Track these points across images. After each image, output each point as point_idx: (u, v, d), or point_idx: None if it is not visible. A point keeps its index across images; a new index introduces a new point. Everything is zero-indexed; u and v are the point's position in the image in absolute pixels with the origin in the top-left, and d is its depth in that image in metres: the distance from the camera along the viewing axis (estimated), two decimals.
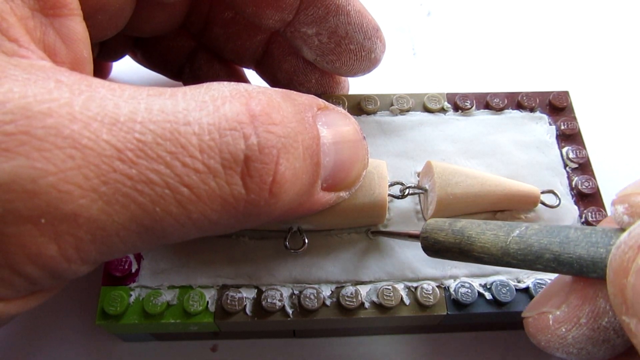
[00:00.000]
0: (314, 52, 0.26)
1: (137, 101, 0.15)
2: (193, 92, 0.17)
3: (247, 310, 0.23)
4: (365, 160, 0.21)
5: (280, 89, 0.19)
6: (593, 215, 0.25)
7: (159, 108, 0.15)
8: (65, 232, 0.14)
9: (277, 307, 0.23)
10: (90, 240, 0.15)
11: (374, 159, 0.24)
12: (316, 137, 0.19)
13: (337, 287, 0.24)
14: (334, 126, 0.20)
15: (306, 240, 0.24)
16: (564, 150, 0.28)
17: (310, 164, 0.18)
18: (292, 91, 0.19)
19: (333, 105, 0.21)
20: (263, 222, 0.18)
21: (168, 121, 0.15)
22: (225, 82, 0.18)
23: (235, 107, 0.16)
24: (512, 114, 0.29)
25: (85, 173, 0.14)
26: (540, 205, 0.26)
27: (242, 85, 0.18)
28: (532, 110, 0.29)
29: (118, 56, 0.30)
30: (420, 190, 0.25)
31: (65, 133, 0.14)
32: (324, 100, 0.21)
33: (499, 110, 0.29)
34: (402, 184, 0.25)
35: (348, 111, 0.28)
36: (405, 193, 0.25)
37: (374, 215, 0.24)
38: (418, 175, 0.26)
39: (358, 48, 0.25)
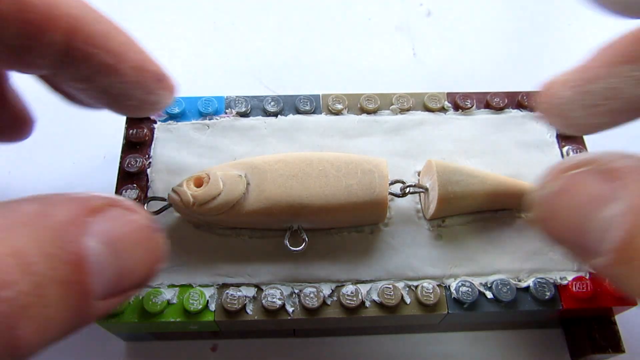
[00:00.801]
0: (90, 100, 0.22)
1: None
2: None
3: (247, 309, 0.23)
4: (158, 254, 0.18)
5: (32, 201, 0.16)
6: None
7: None
8: None
9: (277, 306, 0.23)
10: None
11: (374, 157, 0.24)
12: (78, 261, 0.15)
13: (337, 286, 0.24)
14: (111, 231, 0.17)
15: (306, 239, 0.23)
16: (565, 149, 0.28)
17: (73, 295, 0.15)
18: (52, 200, 0.16)
19: (116, 198, 0.17)
20: None
21: None
22: None
23: None
24: (513, 114, 0.29)
25: None
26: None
27: None
28: (532, 109, 0.29)
29: None
30: (421, 189, 0.25)
31: None
32: (102, 196, 0.17)
33: (499, 109, 0.29)
34: (402, 182, 0.25)
35: (348, 111, 0.28)
36: (406, 191, 0.25)
37: (375, 214, 0.24)
38: (419, 175, 0.26)
39: (139, 103, 0.21)
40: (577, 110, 0.20)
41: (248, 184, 0.23)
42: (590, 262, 0.17)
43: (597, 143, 0.31)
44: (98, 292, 0.16)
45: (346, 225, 0.24)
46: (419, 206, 0.26)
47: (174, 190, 0.23)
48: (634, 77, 0.19)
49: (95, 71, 0.19)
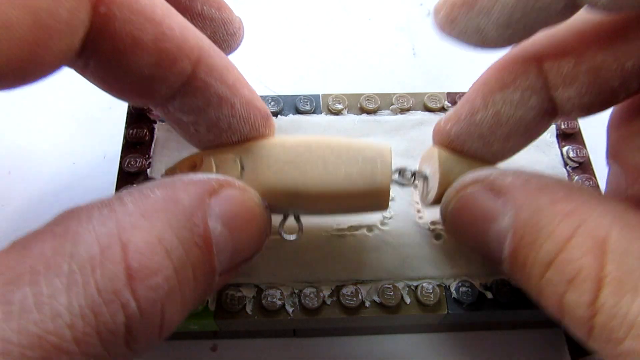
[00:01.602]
0: (188, 138, 0.22)
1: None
2: (53, 263, 0.14)
3: (247, 309, 0.23)
4: (266, 230, 0.20)
5: (159, 186, 0.17)
6: None
7: (18, 310, 0.13)
8: None
9: (277, 306, 0.23)
10: None
11: (378, 143, 0.22)
12: (206, 242, 0.17)
13: (337, 286, 0.24)
14: (228, 211, 0.18)
15: (302, 227, 0.23)
16: (564, 149, 0.28)
17: (201, 277, 0.17)
18: (178, 187, 0.17)
19: (228, 179, 0.19)
20: None
21: (34, 323, 0.13)
22: (91, 228, 0.15)
23: (109, 270, 0.14)
24: None
25: None
26: None
27: (114, 222, 0.15)
28: None
29: None
30: (422, 176, 0.24)
31: None
32: (217, 178, 0.18)
33: None
34: (405, 170, 0.24)
35: (348, 111, 0.28)
36: (410, 180, 0.24)
37: (376, 203, 0.23)
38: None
39: (242, 139, 0.21)
40: (471, 143, 0.21)
41: (242, 168, 0.21)
42: (498, 268, 0.19)
43: (597, 143, 0.31)
44: (219, 269, 0.18)
45: (346, 213, 0.24)
46: (419, 206, 0.26)
47: (166, 173, 0.22)
48: (509, 101, 0.20)
49: (209, 103, 0.20)
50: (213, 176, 0.19)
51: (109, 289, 0.14)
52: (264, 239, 0.20)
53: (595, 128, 0.32)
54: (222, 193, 0.18)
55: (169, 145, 0.27)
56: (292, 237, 0.23)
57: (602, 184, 0.27)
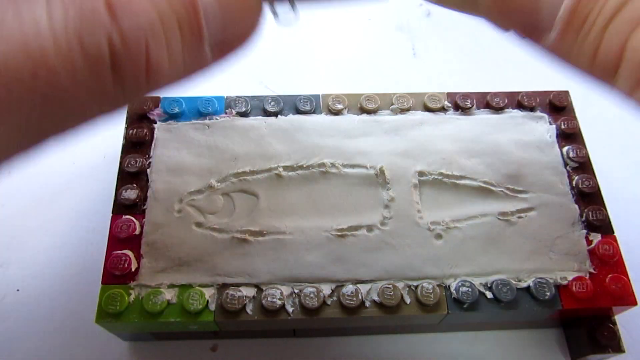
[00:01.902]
0: None
1: None
2: None
3: (247, 309, 0.23)
4: (257, 16, 0.20)
5: None
6: (594, 214, 0.25)
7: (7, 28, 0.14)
8: None
9: (277, 306, 0.23)
10: None
11: None
12: (194, 6, 0.17)
13: (337, 286, 0.24)
14: None
15: (298, 10, 0.20)
16: (565, 149, 0.28)
17: (189, 35, 0.17)
18: None
19: None
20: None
21: (20, 42, 0.14)
22: None
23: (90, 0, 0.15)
24: (513, 114, 0.29)
25: None
26: (538, 201, 0.26)
27: None
28: (532, 109, 0.29)
29: None
30: None
31: None
32: None
33: (499, 109, 0.29)
34: None
35: (348, 111, 0.28)
36: None
37: None
38: (419, 175, 0.26)
39: None
40: None
41: None
42: (541, 42, 0.18)
43: (598, 143, 0.31)
44: (208, 37, 0.18)
45: None
46: (419, 206, 0.26)
47: None
48: None
49: None
50: None
51: (90, 16, 0.15)
52: (257, 19, 0.20)
53: (595, 128, 0.32)
54: None
55: (169, 145, 0.27)
56: (288, 23, 0.20)
57: (602, 184, 0.27)
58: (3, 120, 0.15)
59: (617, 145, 0.33)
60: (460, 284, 0.24)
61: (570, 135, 0.28)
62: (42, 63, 0.14)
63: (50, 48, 0.14)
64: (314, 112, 0.28)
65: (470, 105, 0.29)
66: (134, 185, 0.26)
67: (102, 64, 0.15)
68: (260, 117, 0.28)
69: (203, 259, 0.24)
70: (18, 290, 0.28)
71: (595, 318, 0.25)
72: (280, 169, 0.26)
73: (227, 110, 0.28)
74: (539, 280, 0.24)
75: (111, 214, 0.25)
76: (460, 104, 0.29)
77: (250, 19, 0.20)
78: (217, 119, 0.28)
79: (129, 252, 0.24)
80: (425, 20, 0.39)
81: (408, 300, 0.23)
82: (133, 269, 0.24)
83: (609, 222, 0.25)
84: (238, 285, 0.23)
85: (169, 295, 0.23)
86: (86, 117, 0.17)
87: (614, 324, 0.25)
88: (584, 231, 0.25)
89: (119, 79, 0.16)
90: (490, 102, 0.29)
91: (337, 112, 0.28)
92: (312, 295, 0.23)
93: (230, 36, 0.19)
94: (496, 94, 0.29)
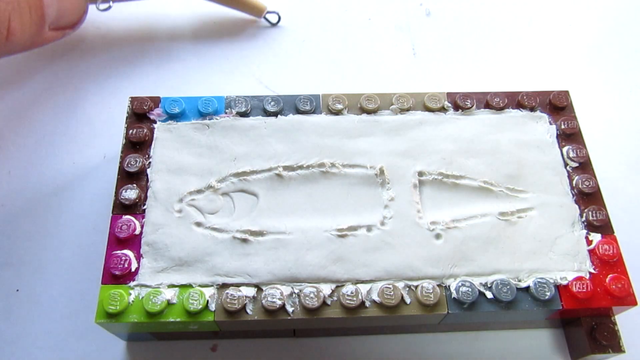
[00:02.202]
0: None
1: None
2: None
3: (247, 309, 0.23)
4: (82, 8, 0.32)
5: None
6: (594, 214, 0.25)
7: None
8: None
9: (277, 306, 0.23)
10: None
11: None
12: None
13: (337, 286, 0.24)
14: None
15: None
16: (565, 149, 0.28)
17: (36, 17, 0.28)
18: None
19: None
20: (4, 55, 0.28)
21: None
22: None
23: None
24: (513, 114, 0.29)
25: None
26: (538, 201, 0.26)
27: None
28: (532, 109, 0.29)
29: None
30: None
31: None
32: None
33: (499, 109, 0.29)
34: None
35: (348, 111, 0.29)
36: None
37: None
38: (419, 175, 0.26)
39: None
40: None
41: None
42: None
43: (598, 143, 0.31)
44: (49, 21, 0.29)
45: None
46: (419, 206, 0.26)
47: None
48: None
49: None
50: None
51: None
52: (81, 13, 0.32)
53: (595, 128, 0.32)
54: None
55: (169, 145, 0.27)
56: (105, 5, 0.31)
57: (602, 184, 0.27)
58: None
59: (617, 145, 0.33)
60: (460, 284, 0.24)
61: (570, 135, 0.28)
62: None
63: None
64: (314, 112, 0.28)
65: (470, 105, 0.29)
66: (134, 185, 0.26)
67: None
68: (260, 117, 0.28)
69: (203, 259, 0.24)
70: (18, 290, 0.28)
71: (595, 318, 0.25)
72: (280, 169, 0.26)
73: (227, 110, 0.28)
74: (539, 280, 0.24)
75: (111, 214, 0.25)
76: (460, 104, 0.29)
77: (77, 13, 0.32)
78: (217, 119, 0.28)
79: (129, 252, 0.24)
80: (425, 20, 0.39)
81: (408, 300, 0.23)
82: (133, 269, 0.24)
83: (609, 222, 0.25)
84: (238, 285, 0.23)
85: (169, 295, 0.23)
86: None
87: (614, 324, 0.25)
88: (584, 231, 0.25)
89: None
90: (490, 102, 0.29)
91: (337, 112, 0.28)
92: (312, 295, 0.23)
93: (63, 22, 0.31)
94: (496, 94, 0.29)
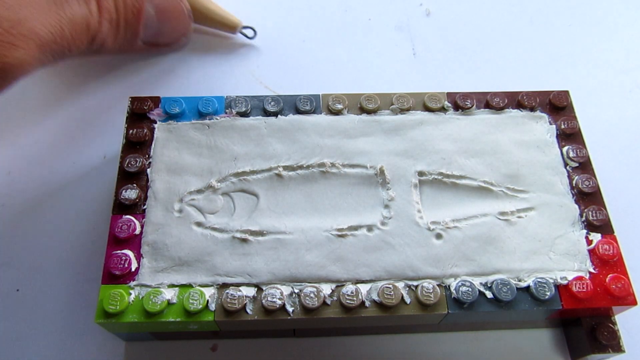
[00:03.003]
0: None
1: None
2: None
3: (248, 308, 0.23)
4: (189, 18, 0.32)
5: None
6: (594, 214, 0.25)
7: None
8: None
9: (277, 306, 0.23)
10: None
11: None
12: (138, 15, 0.28)
13: (337, 286, 0.24)
14: (162, 6, 0.29)
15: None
16: (565, 149, 0.28)
17: (130, 33, 0.29)
18: None
19: None
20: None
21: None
22: None
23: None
24: (513, 114, 0.29)
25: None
26: (538, 201, 0.26)
27: None
28: (532, 109, 0.29)
29: None
30: None
31: None
32: None
33: (499, 109, 0.29)
34: None
35: (348, 111, 0.29)
36: None
37: None
38: (419, 175, 0.26)
39: None
40: None
41: None
42: None
43: (598, 143, 0.31)
44: (143, 36, 0.30)
45: None
46: (419, 206, 0.26)
47: None
48: None
49: None
50: None
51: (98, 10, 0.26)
52: (181, 37, 0.33)
53: (595, 128, 0.32)
54: None
55: (169, 145, 0.27)
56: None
57: (602, 184, 0.27)
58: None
59: (617, 145, 0.33)
60: (460, 284, 0.24)
61: (570, 135, 0.28)
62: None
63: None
64: (314, 112, 0.28)
65: (470, 105, 0.29)
66: (134, 185, 0.26)
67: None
68: (260, 117, 0.28)
69: (203, 259, 0.24)
70: (18, 290, 0.28)
71: (595, 318, 0.25)
72: (280, 169, 0.26)
73: (227, 110, 0.28)
74: (539, 280, 0.24)
75: (111, 214, 0.25)
76: (460, 104, 0.29)
77: (177, 35, 0.32)
78: (217, 119, 0.28)
79: (129, 252, 0.24)
80: (425, 20, 0.39)
81: (408, 300, 0.23)
82: (133, 269, 0.24)
83: (609, 222, 0.25)
84: (238, 285, 0.23)
85: (169, 295, 0.23)
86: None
87: (614, 324, 0.25)
88: (584, 231, 0.25)
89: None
90: (490, 102, 0.29)
91: (337, 112, 0.28)
92: (312, 295, 0.23)
93: (160, 41, 0.31)
94: (496, 94, 0.29)
